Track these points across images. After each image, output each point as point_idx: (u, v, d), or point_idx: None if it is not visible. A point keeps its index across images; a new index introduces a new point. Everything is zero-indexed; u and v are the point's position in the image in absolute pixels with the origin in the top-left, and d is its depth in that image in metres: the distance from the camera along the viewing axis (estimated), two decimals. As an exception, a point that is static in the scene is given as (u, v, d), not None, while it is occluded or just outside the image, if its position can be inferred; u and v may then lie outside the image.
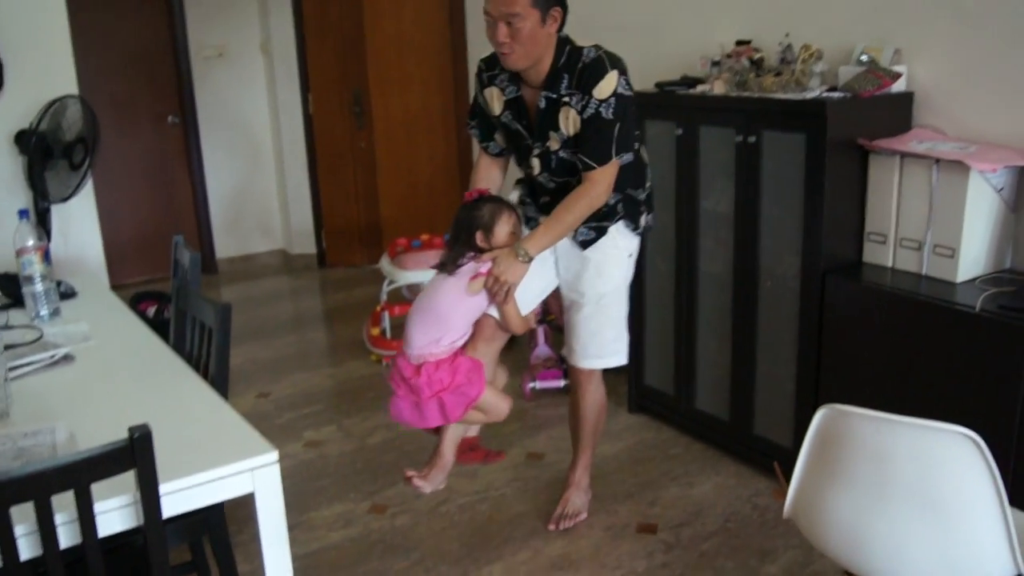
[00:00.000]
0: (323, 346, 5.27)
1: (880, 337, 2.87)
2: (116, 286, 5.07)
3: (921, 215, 2.91)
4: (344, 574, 2.93)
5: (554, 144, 2.73)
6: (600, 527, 3.15)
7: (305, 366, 4.86)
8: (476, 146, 3.08)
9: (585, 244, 2.87)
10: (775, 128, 3.11)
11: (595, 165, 2.66)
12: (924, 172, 2.86)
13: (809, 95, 3.04)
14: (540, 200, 2.94)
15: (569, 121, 2.68)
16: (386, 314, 4.88)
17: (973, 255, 2.86)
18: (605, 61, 2.61)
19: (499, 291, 2.64)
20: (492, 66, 2.81)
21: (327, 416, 4.18)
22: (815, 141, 2.95)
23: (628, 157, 2.74)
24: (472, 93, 3.00)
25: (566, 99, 2.66)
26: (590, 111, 2.62)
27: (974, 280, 2.85)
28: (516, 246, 2.66)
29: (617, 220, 2.87)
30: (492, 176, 3.00)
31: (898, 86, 3.08)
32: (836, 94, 3.03)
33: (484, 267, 2.66)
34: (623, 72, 2.64)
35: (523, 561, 2.97)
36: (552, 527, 3.13)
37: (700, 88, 3.49)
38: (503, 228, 2.69)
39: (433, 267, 2.79)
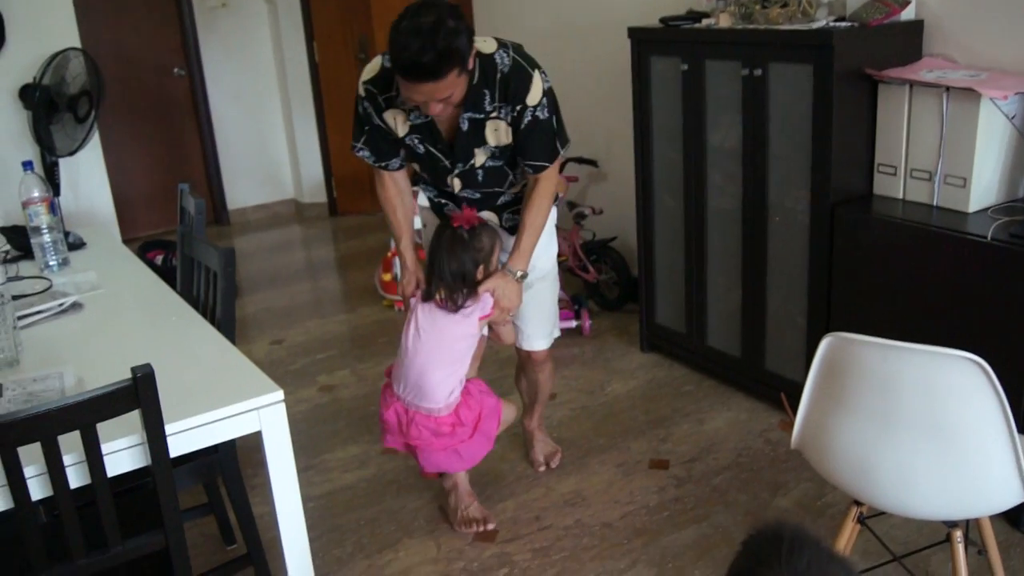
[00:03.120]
0: (336, 293, 5.28)
1: (891, 269, 2.85)
2: (128, 239, 5.10)
3: (932, 145, 2.86)
4: (359, 513, 2.97)
5: (480, 159, 2.58)
6: (612, 464, 3.17)
7: (318, 313, 4.89)
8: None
9: (514, 230, 2.73)
10: (782, 60, 3.06)
11: (547, 164, 2.57)
12: (934, 101, 2.82)
13: (815, 25, 2.98)
14: (461, 205, 2.71)
15: (500, 132, 2.52)
16: (396, 260, 4.88)
17: (985, 184, 2.82)
18: (524, 65, 2.45)
19: (504, 318, 2.68)
20: (388, 87, 2.50)
21: (340, 361, 4.20)
22: (823, 72, 2.90)
23: (568, 145, 2.66)
24: (356, 112, 2.62)
25: (493, 115, 2.49)
26: (527, 119, 2.48)
27: (986, 210, 2.81)
28: (506, 270, 2.62)
29: None
30: (405, 189, 2.76)
31: (907, 14, 3.02)
32: (844, 24, 2.98)
33: (489, 303, 2.60)
34: (539, 67, 2.50)
35: (536, 498, 3.00)
36: (542, 468, 3.16)
37: (705, 22, 3.43)
38: (496, 255, 2.66)
39: (422, 299, 2.63)
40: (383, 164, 2.66)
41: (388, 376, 2.76)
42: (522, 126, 2.49)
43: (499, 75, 2.43)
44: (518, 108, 2.46)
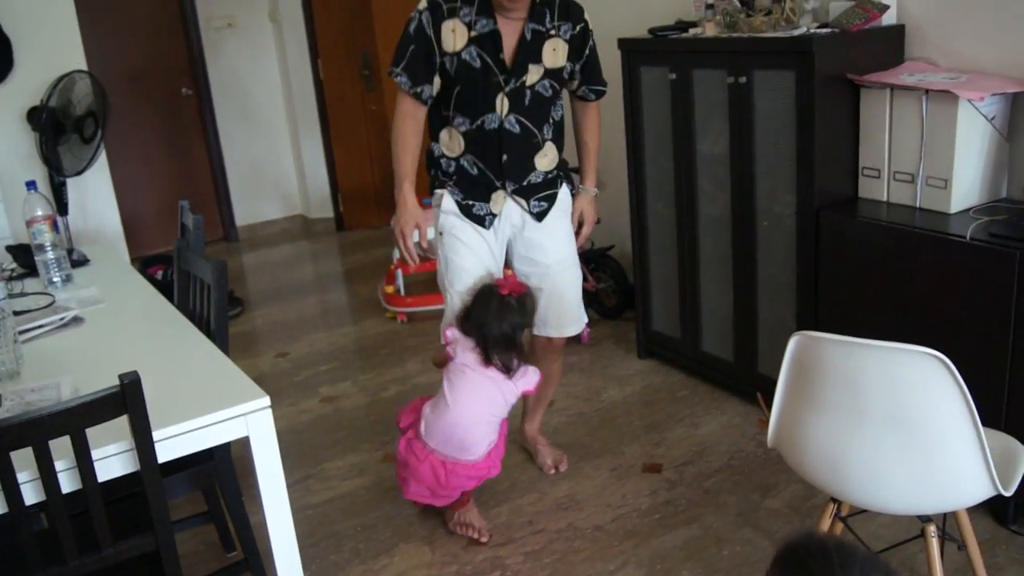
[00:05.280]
0: (341, 306, 5.36)
1: (876, 270, 2.89)
2: (137, 257, 5.20)
3: (913, 148, 2.91)
4: (357, 520, 3.03)
5: (532, 77, 2.73)
6: (606, 468, 3.22)
7: (323, 326, 4.96)
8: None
9: (541, 215, 2.91)
10: (765, 67, 3.11)
11: (605, 88, 2.95)
12: (914, 104, 2.86)
13: (797, 32, 3.04)
14: (500, 159, 2.79)
15: (558, 53, 2.75)
16: (399, 272, 4.95)
17: (966, 185, 2.86)
18: None
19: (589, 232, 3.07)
20: None
21: (343, 372, 4.27)
22: (804, 78, 2.96)
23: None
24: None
25: (552, 31, 2.73)
26: (588, 40, 2.82)
27: (968, 210, 2.85)
28: (585, 190, 3.03)
29: (561, 185, 2.98)
30: (419, 132, 2.81)
31: (888, 19, 3.07)
32: (825, 30, 3.03)
33: (535, 380, 2.78)
34: None
35: (530, 503, 3.05)
36: (552, 471, 3.22)
37: (692, 32, 3.49)
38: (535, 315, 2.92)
39: (483, 363, 2.72)
40: (417, 90, 2.72)
41: (405, 428, 2.84)
42: (587, 48, 2.83)
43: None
44: (579, 27, 2.78)
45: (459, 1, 2.65)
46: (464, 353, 2.71)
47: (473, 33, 2.67)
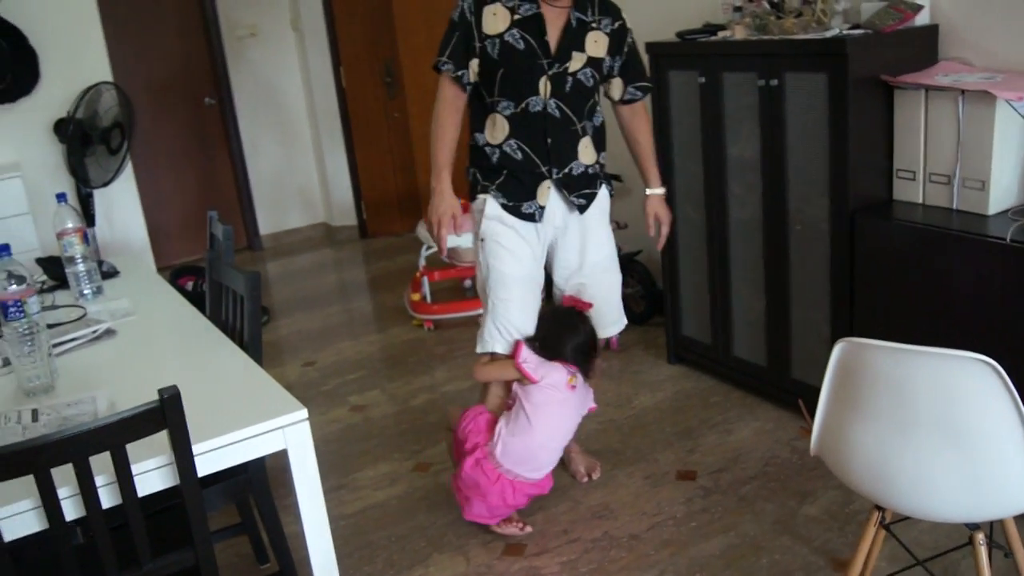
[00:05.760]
0: (366, 314, 5.35)
1: (913, 274, 2.85)
2: (164, 267, 5.21)
3: (949, 149, 2.87)
4: (390, 530, 3.01)
5: (575, 64, 2.75)
6: (640, 476, 3.19)
7: (349, 334, 4.96)
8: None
9: (582, 209, 2.92)
10: (797, 70, 3.08)
11: (650, 84, 3.01)
12: (950, 105, 2.83)
13: (829, 34, 3.00)
14: (546, 142, 2.79)
15: (599, 44, 2.78)
16: (425, 279, 4.94)
17: (1004, 186, 2.82)
18: None
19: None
20: None
21: (371, 381, 4.26)
22: (838, 80, 2.92)
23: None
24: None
25: (594, 24, 2.76)
26: (629, 38, 2.87)
27: (1006, 212, 2.81)
28: (653, 192, 3.06)
29: (601, 185, 2.99)
30: (459, 123, 2.84)
31: (922, 19, 3.03)
32: (858, 31, 2.99)
33: (591, 399, 2.95)
34: None
35: (564, 511, 3.02)
36: (585, 479, 3.19)
37: (721, 35, 3.46)
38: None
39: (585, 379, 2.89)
40: (458, 74, 2.76)
41: (472, 449, 2.83)
42: (626, 44, 2.86)
43: None
44: (618, 23, 2.82)
45: None
46: (551, 374, 2.77)
47: (516, 16, 2.70)
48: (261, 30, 6.73)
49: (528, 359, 2.78)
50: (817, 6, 3.13)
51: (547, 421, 2.77)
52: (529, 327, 2.86)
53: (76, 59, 4.40)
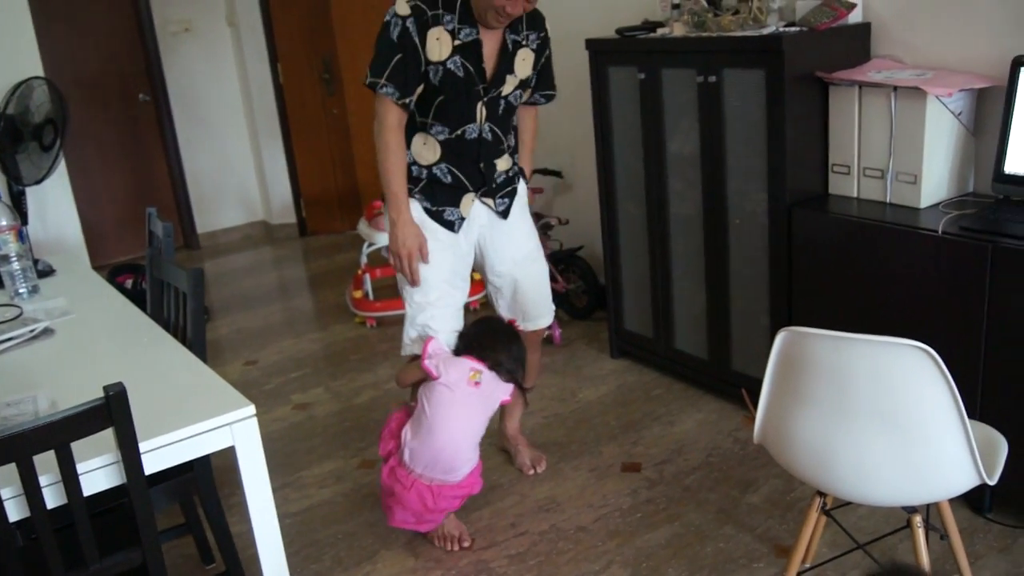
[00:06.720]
0: (308, 312, 5.31)
1: (849, 266, 2.92)
2: (99, 266, 5.11)
3: (882, 144, 2.94)
4: (337, 528, 3.00)
5: (507, 88, 2.76)
6: (585, 469, 3.22)
7: (291, 333, 4.91)
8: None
9: (505, 212, 2.94)
10: (735, 66, 3.13)
11: (555, 93, 3.02)
12: (883, 101, 2.90)
13: (766, 31, 3.06)
14: (479, 166, 2.80)
15: (527, 63, 2.80)
16: (367, 277, 4.92)
17: (935, 180, 2.90)
18: None
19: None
20: (435, 4, 2.59)
21: (314, 379, 4.23)
22: (774, 77, 2.98)
23: None
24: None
25: (523, 42, 2.77)
26: (547, 49, 2.89)
27: (937, 205, 2.89)
28: (522, 183, 3.02)
29: (518, 180, 3.01)
30: (404, 144, 2.74)
31: (855, 17, 3.10)
32: (793, 29, 3.06)
33: (509, 389, 2.83)
34: None
35: (511, 505, 3.04)
36: (531, 472, 3.21)
37: (660, 32, 3.51)
38: None
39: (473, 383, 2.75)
40: (406, 100, 2.64)
41: (387, 456, 2.79)
42: (546, 53, 2.89)
43: None
44: (542, 35, 2.84)
45: (441, 8, 2.60)
46: (449, 370, 2.68)
47: (457, 42, 2.63)
48: (195, 25, 6.63)
49: (435, 354, 2.71)
50: (753, 4, 3.19)
51: (446, 423, 2.65)
52: (448, 329, 2.82)
53: (6, 54, 4.28)
